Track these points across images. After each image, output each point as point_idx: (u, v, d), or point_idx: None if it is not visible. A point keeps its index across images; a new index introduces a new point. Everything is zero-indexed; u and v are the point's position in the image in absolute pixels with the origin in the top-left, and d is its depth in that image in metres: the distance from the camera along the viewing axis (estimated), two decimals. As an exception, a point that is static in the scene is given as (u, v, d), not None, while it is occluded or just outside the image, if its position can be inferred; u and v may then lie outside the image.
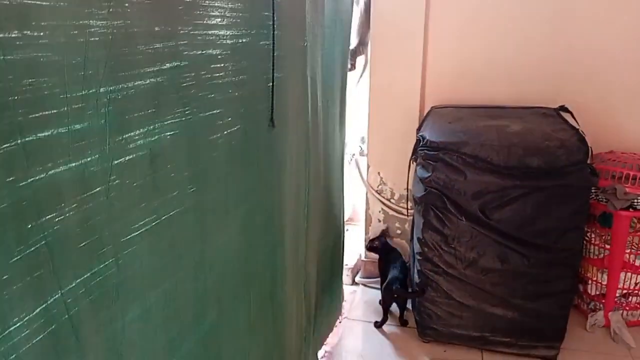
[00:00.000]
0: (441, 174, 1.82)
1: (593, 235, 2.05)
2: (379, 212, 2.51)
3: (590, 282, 2.09)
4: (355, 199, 2.88)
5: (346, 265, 2.38)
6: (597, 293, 2.08)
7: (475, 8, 2.22)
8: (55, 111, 0.54)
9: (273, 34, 1.07)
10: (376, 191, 2.49)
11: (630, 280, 2.01)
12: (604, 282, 2.04)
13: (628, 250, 1.99)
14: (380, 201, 2.48)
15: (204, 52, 0.84)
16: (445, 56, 2.30)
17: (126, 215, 0.66)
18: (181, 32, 0.78)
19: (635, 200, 1.93)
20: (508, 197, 1.77)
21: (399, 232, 2.50)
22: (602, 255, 2.03)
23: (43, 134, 0.53)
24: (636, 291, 2.04)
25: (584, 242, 2.03)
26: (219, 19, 0.89)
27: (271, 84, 1.13)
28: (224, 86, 0.90)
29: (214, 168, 0.87)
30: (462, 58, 2.30)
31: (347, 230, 3.09)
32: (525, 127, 1.88)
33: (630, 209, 1.93)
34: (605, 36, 2.14)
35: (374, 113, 2.40)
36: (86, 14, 0.59)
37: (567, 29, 2.16)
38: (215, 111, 0.87)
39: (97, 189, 0.61)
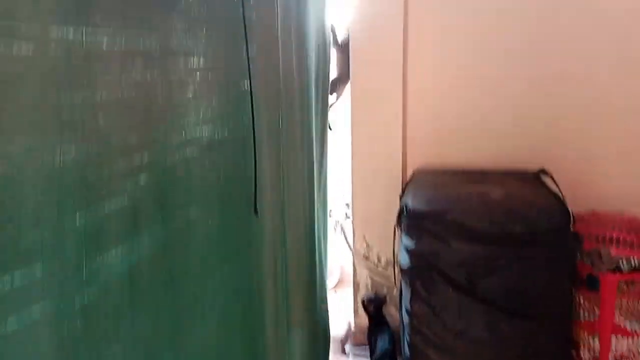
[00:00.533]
0: (426, 243, 1.81)
1: (582, 299, 2.04)
2: (366, 277, 2.48)
3: (582, 347, 2.06)
4: (343, 263, 2.86)
5: (334, 335, 2.32)
6: (590, 358, 2.04)
7: (454, 70, 2.28)
8: (28, 246, 0.53)
9: (253, 126, 1.08)
10: (363, 257, 2.47)
11: (622, 344, 1.98)
12: (596, 347, 2.01)
13: (617, 313, 1.97)
14: (367, 267, 2.46)
15: (181, 155, 0.84)
16: (424, 118, 2.35)
17: (102, 341, 0.63)
18: (159, 138, 0.78)
19: (621, 263, 1.93)
20: (493, 265, 1.76)
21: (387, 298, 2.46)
22: (592, 318, 2.01)
23: (15, 274, 0.51)
24: (629, 355, 2.00)
25: (574, 306, 2.01)
26: (196, 117, 0.90)
27: (254, 173, 1.13)
28: (202, 187, 0.90)
29: (192, 271, 0.86)
30: (442, 119, 2.34)
31: (335, 292, 3.06)
32: (506, 192, 1.90)
33: (617, 272, 1.93)
34: (584, 94, 2.20)
35: (357, 178, 2.42)
36: (58, 138, 0.58)
37: (546, 88, 2.23)
38: (194, 213, 0.87)
39: (73, 321, 0.58)
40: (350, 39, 2.27)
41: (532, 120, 2.26)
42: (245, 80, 1.11)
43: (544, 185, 2.00)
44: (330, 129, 2.43)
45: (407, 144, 2.36)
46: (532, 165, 2.18)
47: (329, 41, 2.26)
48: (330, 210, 2.67)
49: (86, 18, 0.58)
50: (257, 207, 1.15)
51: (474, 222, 1.76)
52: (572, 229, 1.79)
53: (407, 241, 1.87)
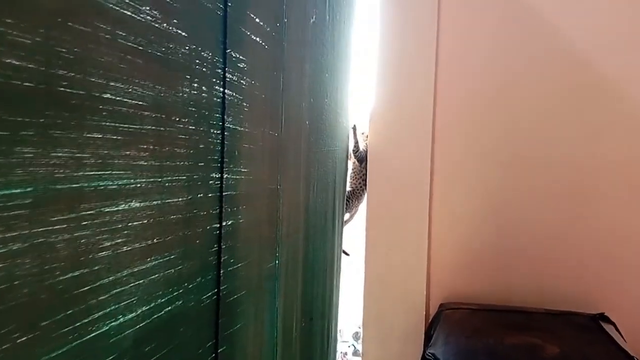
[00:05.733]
0: (462, 417, 1.36)
1: None
2: None
3: None
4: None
5: None
6: None
7: (488, 190, 1.93)
8: None
9: (218, 287, 0.71)
10: (373, 406, 1.98)
11: None
12: None
13: None
14: (378, 420, 1.97)
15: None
16: (453, 242, 1.96)
17: None
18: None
19: None
20: None
21: None
22: None
23: None
24: None
25: None
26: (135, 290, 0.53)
27: None
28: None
29: None
30: (473, 245, 1.96)
31: None
32: (563, 350, 1.47)
33: None
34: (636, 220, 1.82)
35: (369, 307, 2.00)
36: None
37: (589, 212, 1.85)
38: None
39: None
40: (368, 146, 1.96)
41: (581, 252, 1.86)
42: (218, 216, 0.75)
43: (608, 338, 1.56)
44: (347, 254, 2.05)
45: (432, 272, 1.96)
46: (580, 304, 1.77)
47: (347, 147, 1.95)
48: (338, 337, 2.22)
49: None
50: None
51: (528, 395, 1.32)
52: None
53: (436, 409, 1.42)
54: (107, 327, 0.48)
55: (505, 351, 1.47)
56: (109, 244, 0.48)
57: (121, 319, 0.50)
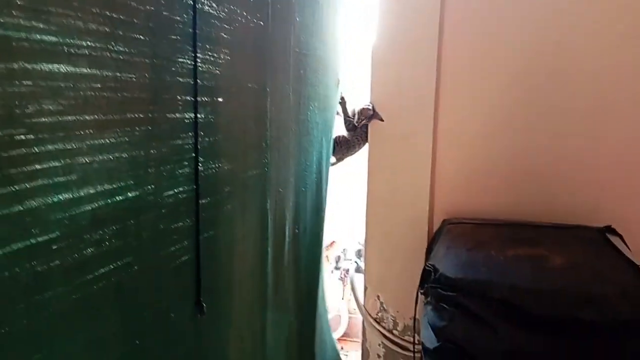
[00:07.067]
0: (460, 325, 1.35)
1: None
2: (379, 345, 2.02)
3: None
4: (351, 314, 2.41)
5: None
6: None
7: (490, 103, 1.83)
8: None
9: (196, 179, 0.66)
10: (375, 319, 2.01)
11: None
12: None
13: None
14: (380, 332, 2.00)
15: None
16: (458, 158, 1.90)
17: None
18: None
19: None
20: (553, 361, 1.30)
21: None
22: None
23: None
24: None
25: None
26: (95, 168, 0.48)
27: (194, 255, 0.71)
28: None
29: None
30: (479, 159, 1.89)
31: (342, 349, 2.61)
32: (568, 260, 1.44)
33: None
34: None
35: (372, 224, 1.98)
36: None
37: (597, 127, 1.76)
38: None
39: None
40: (371, 74, 1.86)
41: (588, 166, 1.79)
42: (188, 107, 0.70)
43: (615, 250, 1.53)
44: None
45: (435, 187, 1.92)
46: (588, 218, 1.73)
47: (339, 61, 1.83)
48: (341, 254, 2.23)
49: None
50: (204, 301, 0.72)
51: (529, 302, 1.30)
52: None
53: (435, 318, 1.42)
54: (57, 198, 0.44)
55: (508, 263, 1.44)
56: (50, 107, 0.43)
57: (76, 192, 0.46)
